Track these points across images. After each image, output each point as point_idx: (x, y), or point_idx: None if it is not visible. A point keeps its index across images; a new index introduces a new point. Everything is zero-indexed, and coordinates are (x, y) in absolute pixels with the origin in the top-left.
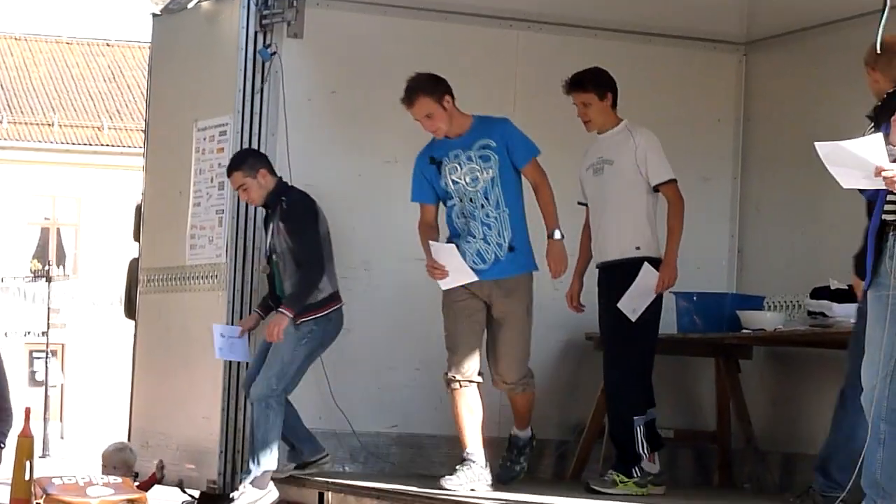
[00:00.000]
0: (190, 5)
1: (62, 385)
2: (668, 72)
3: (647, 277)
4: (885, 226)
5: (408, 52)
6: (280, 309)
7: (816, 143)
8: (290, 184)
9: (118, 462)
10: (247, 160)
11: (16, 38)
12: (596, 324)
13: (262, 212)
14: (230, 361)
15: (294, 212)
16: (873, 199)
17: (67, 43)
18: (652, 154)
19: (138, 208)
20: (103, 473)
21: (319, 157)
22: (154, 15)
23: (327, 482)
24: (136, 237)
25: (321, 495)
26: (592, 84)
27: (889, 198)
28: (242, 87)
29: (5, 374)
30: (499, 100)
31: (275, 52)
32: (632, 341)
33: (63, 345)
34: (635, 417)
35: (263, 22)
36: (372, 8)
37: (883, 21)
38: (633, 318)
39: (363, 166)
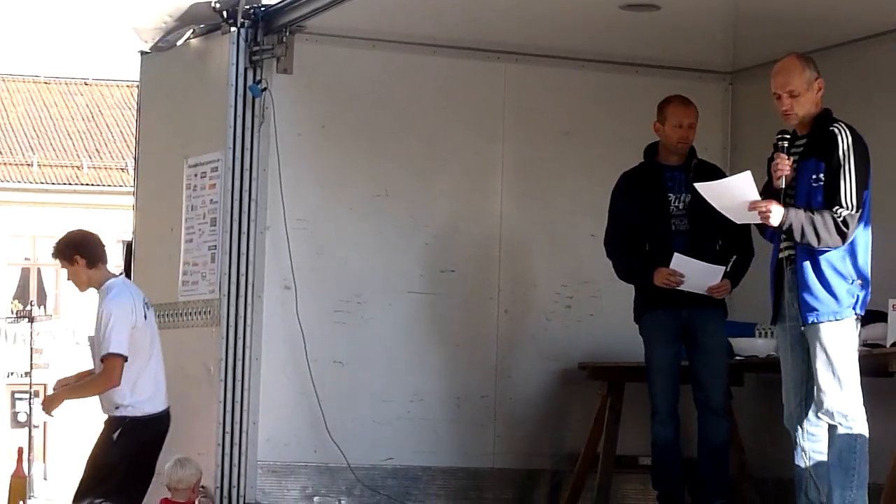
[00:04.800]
0: (179, 42)
1: (45, 425)
2: (653, 102)
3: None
4: (781, 262)
5: (396, 86)
6: None
7: (695, 184)
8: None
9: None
10: None
11: None
12: (587, 353)
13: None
14: (225, 395)
15: None
16: (771, 239)
17: (45, 82)
18: (104, 324)
19: (129, 246)
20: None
21: (311, 191)
22: (142, 53)
23: None
24: (128, 274)
25: None
26: (59, 253)
27: (782, 236)
28: (233, 123)
29: None
30: (487, 132)
31: (265, 88)
32: None
33: (45, 385)
34: None
35: (253, 58)
36: (360, 42)
37: None
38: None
39: (354, 200)
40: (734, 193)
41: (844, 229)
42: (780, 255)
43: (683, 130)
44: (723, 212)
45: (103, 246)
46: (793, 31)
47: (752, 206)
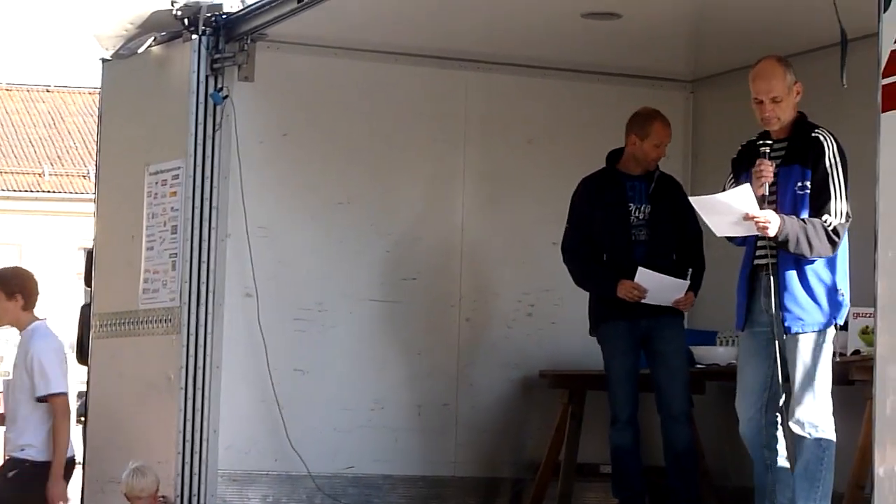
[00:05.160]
0: (140, 50)
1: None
2: (616, 110)
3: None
4: (757, 269)
5: (358, 94)
6: None
7: (691, 198)
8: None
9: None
10: None
11: None
12: (548, 361)
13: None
14: (185, 404)
15: None
16: (742, 245)
17: (6, 89)
18: (42, 364)
19: (89, 253)
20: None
21: (272, 199)
22: (104, 60)
23: None
24: (88, 282)
25: None
26: (1, 283)
27: (759, 243)
28: (195, 130)
29: None
30: (449, 140)
31: (227, 96)
32: None
33: (1, 393)
34: None
35: (214, 66)
36: (322, 50)
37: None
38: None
39: (315, 208)
40: (732, 206)
41: (836, 238)
42: (758, 262)
43: (661, 149)
44: (711, 225)
45: (39, 293)
46: (754, 40)
47: (749, 217)
